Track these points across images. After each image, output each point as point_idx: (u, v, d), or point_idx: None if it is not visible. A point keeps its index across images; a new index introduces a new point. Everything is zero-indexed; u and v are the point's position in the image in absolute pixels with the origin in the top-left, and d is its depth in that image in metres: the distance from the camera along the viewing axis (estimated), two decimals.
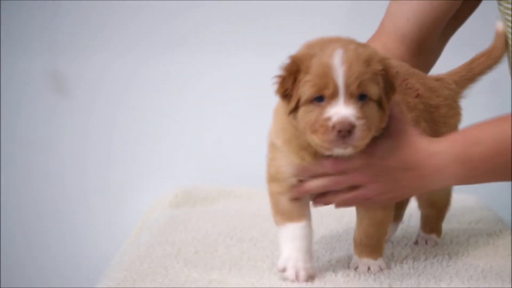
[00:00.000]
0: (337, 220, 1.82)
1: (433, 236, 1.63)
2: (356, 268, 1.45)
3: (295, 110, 1.30)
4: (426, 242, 1.62)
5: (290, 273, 1.37)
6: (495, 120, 1.33)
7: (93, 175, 2.41)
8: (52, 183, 2.41)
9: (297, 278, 1.37)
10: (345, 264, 1.50)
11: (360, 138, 1.25)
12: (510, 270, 1.44)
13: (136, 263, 1.51)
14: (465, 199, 2.11)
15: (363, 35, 2.30)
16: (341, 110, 1.24)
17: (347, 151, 1.27)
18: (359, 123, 1.24)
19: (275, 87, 1.32)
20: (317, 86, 1.27)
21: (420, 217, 1.66)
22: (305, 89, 1.28)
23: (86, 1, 2.34)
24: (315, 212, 1.90)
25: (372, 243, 1.44)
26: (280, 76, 1.31)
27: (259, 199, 2.15)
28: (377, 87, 1.28)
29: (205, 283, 1.40)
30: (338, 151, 1.28)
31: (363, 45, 1.33)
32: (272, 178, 1.41)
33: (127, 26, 2.36)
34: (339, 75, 1.25)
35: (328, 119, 1.25)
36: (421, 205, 1.63)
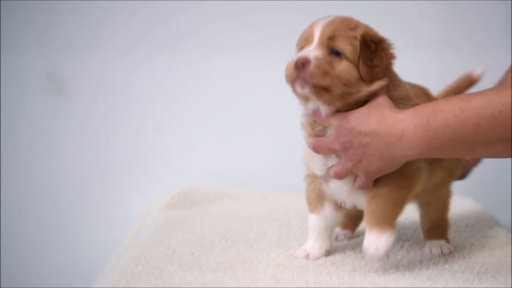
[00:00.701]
0: None
1: (443, 241, 1.62)
2: (365, 251, 1.43)
3: None
4: (441, 249, 1.60)
5: (298, 253, 1.55)
6: (463, 95, 1.38)
7: (91, 176, 2.41)
8: (49, 184, 2.41)
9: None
10: (340, 266, 1.50)
11: (314, 74, 1.37)
12: (506, 272, 1.44)
13: (131, 265, 1.51)
14: (462, 202, 2.11)
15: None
16: (304, 51, 1.40)
17: (305, 90, 1.39)
18: (314, 60, 1.37)
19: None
20: (302, 40, 1.44)
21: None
22: (297, 49, 1.45)
23: (85, 2, 2.34)
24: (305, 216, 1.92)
25: (379, 208, 1.43)
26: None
27: (256, 200, 2.15)
28: (350, 47, 1.40)
29: (200, 285, 1.39)
30: (297, 88, 1.40)
31: (357, 21, 1.45)
32: (307, 175, 1.56)
33: (125, 27, 2.36)
34: (317, 29, 1.41)
35: (293, 60, 1.40)
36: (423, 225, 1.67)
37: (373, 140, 1.38)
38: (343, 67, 1.39)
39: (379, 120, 1.38)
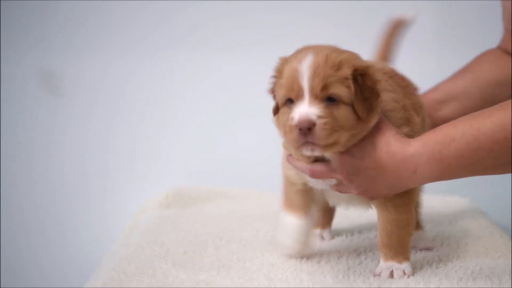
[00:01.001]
0: None
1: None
2: (379, 274, 1.43)
3: (277, 111, 1.39)
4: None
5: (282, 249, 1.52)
6: (467, 117, 1.35)
7: (86, 175, 2.40)
8: (45, 183, 2.41)
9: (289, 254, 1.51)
10: (334, 265, 1.49)
11: (322, 136, 1.29)
12: (499, 273, 1.43)
13: (124, 264, 1.50)
14: (457, 202, 2.11)
15: (361, 36, 2.34)
16: (302, 109, 1.30)
17: (315, 152, 1.32)
18: (319, 121, 1.29)
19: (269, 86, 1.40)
20: (285, 89, 1.33)
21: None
22: (278, 92, 1.36)
23: (81, 1, 2.34)
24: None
25: (394, 243, 1.43)
26: (272, 76, 1.40)
27: (250, 200, 2.15)
28: (347, 90, 1.31)
29: (193, 284, 1.39)
30: (306, 152, 1.33)
31: (340, 51, 1.36)
32: (287, 180, 1.50)
33: (122, 26, 2.36)
34: (304, 77, 1.31)
35: (292, 118, 1.31)
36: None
37: (382, 175, 1.35)
38: (343, 114, 1.31)
39: (388, 155, 1.34)
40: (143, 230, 1.80)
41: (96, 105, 2.39)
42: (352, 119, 1.32)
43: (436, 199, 2.11)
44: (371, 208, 1.49)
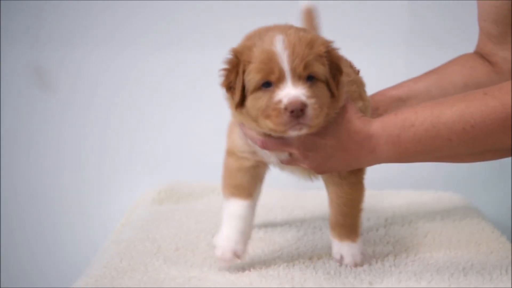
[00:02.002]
0: (321, 218, 1.81)
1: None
2: (341, 258, 1.45)
3: (241, 103, 1.33)
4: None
5: (217, 252, 1.41)
6: (430, 103, 1.35)
7: (77, 171, 2.39)
8: (34, 179, 2.39)
9: (222, 258, 1.41)
10: (326, 261, 1.49)
11: (314, 116, 1.27)
12: (491, 269, 1.44)
13: (116, 260, 1.50)
14: (450, 197, 2.11)
15: (358, 36, 2.34)
16: (291, 91, 1.27)
17: (302, 131, 1.30)
18: (310, 101, 1.27)
19: (220, 80, 1.35)
20: (262, 72, 1.29)
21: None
22: (251, 77, 1.30)
23: None
24: (299, 209, 1.91)
25: (348, 223, 1.44)
26: (224, 69, 1.34)
27: None
28: (323, 67, 1.31)
29: (185, 281, 1.39)
30: (293, 133, 1.30)
31: (304, 30, 1.36)
32: (230, 152, 1.46)
33: (110, 21, 2.34)
34: (284, 58, 1.28)
35: (280, 101, 1.27)
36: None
37: (341, 152, 1.36)
38: (322, 91, 1.31)
39: (349, 134, 1.35)
40: (135, 226, 1.79)
41: (89, 102, 2.38)
42: (328, 96, 1.32)
43: (429, 195, 2.12)
44: (316, 178, 1.48)
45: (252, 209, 1.44)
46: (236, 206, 1.43)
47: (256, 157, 1.44)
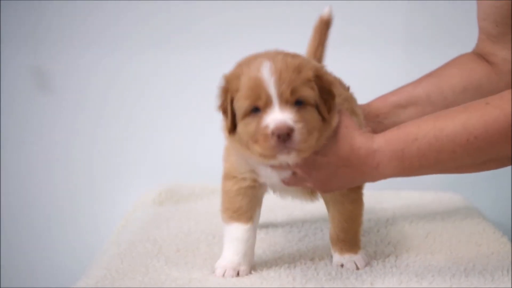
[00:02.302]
0: (322, 219, 1.81)
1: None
2: (342, 265, 1.46)
3: (233, 129, 1.34)
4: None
5: (219, 272, 1.41)
6: (432, 116, 1.35)
7: (77, 172, 2.39)
8: (35, 180, 2.39)
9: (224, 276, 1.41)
10: (328, 262, 1.49)
11: (301, 140, 1.27)
12: (492, 269, 1.43)
13: (116, 261, 1.50)
14: (450, 198, 2.11)
15: (357, 38, 2.34)
16: (278, 116, 1.27)
17: (291, 157, 1.29)
18: (297, 126, 1.27)
19: (216, 104, 1.36)
20: (250, 99, 1.29)
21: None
22: (240, 104, 1.31)
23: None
24: (299, 210, 1.91)
25: (349, 238, 1.46)
26: (218, 94, 1.35)
27: None
28: (312, 91, 1.30)
29: (186, 282, 1.38)
30: (282, 157, 1.29)
31: (293, 55, 1.35)
32: (228, 176, 1.45)
33: (111, 23, 2.34)
34: (270, 84, 1.28)
35: (267, 126, 1.27)
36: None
37: (345, 169, 1.34)
38: (311, 115, 1.30)
39: (351, 149, 1.33)
40: (135, 227, 1.79)
41: (86, 103, 2.37)
42: (318, 120, 1.31)
43: (429, 196, 2.12)
44: (316, 199, 1.49)
45: (253, 232, 1.43)
46: (237, 231, 1.42)
47: (257, 176, 1.42)
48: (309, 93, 1.30)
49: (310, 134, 1.28)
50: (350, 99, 1.51)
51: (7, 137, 2.38)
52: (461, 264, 1.47)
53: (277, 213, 1.88)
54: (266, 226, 1.77)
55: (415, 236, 1.68)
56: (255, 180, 1.42)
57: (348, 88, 1.55)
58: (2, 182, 2.39)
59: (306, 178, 1.37)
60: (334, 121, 1.34)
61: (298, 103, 1.29)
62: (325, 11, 1.67)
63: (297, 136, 1.26)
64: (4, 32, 2.32)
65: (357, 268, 1.45)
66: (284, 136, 1.25)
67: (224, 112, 1.35)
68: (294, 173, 1.38)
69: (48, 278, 2.38)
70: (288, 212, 1.89)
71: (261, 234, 1.70)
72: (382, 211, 1.91)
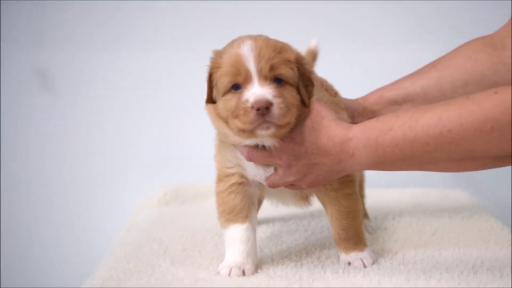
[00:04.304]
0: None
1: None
2: (349, 264, 1.45)
3: (210, 100, 1.40)
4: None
5: (225, 272, 1.41)
6: (413, 108, 1.34)
7: (81, 174, 2.39)
8: (39, 182, 2.39)
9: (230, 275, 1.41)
10: (335, 260, 1.48)
11: (280, 115, 1.31)
12: (501, 266, 1.42)
13: (123, 262, 1.49)
14: (457, 195, 2.10)
15: (354, 35, 2.34)
16: (257, 91, 1.32)
17: (270, 131, 1.32)
18: (276, 100, 1.31)
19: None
20: (230, 75, 1.35)
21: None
22: (221, 81, 1.36)
23: (75, 1, 2.33)
24: (305, 209, 1.90)
25: (351, 235, 1.46)
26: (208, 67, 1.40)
27: None
28: (292, 72, 1.35)
29: (192, 282, 1.38)
30: (261, 132, 1.32)
31: (277, 40, 1.38)
32: (219, 177, 1.47)
33: (112, 23, 2.34)
34: (250, 60, 1.33)
35: (246, 101, 1.31)
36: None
37: (322, 158, 1.35)
38: (291, 94, 1.34)
39: (328, 138, 1.35)
40: (141, 228, 1.79)
41: (93, 105, 2.38)
42: (297, 99, 1.35)
43: (436, 193, 2.11)
44: (309, 204, 1.51)
45: (252, 231, 1.44)
46: (236, 232, 1.43)
47: (244, 171, 1.43)
48: (288, 72, 1.34)
49: (289, 110, 1.32)
50: (338, 103, 1.52)
51: (13, 140, 2.38)
52: (469, 261, 1.46)
53: (283, 211, 1.87)
54: (273, 225, 1.77)
55: (423, 233, 1.67)
56: (243, 176, 1.44)
57: (335, 94, 1.56)
58: (7, 183, 2.39)
59: (287, 173, 1.38)
60: (312, 107, 1.37)
61: (277, 81, 1.34)
62: (312, 43, 1.73)
63: (275, 110, 1.30)
64: (10, 33, 2.32)
65: (364, 266, 1.45)
66: (263, 109, 1.30)
67: (209, 82, 1.40)
68: (275, 170, 1.40)
69: (55, 279, 2.38)
70: (293, 210, 1.88)
71: (267, 233, 1.70)
72: (389, 209, 1.90)
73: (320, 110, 1.37)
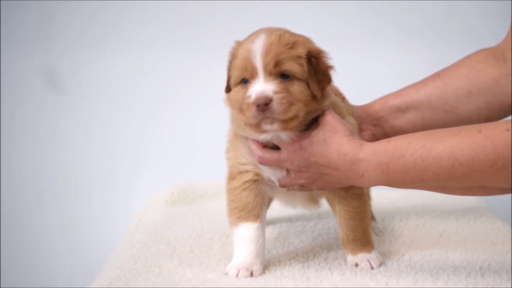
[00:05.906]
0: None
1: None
2: (356, 265, 1.45)
3: (228, 89, 1.43)
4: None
5: (232, 272, 1.40)
6: (424, 134, 1.35)
7: (88, 172, 2.40)
8: (46, 181, 2.40)
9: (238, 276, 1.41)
10: (342, 262, 1.48)
11: (281, 110, 1.33)
12: (508, 268, 1.42)
13: (130, 262, 1.49)
14: (464, 197, 2.09)
15: (352, 35, 2.33)
16: (259, 87, 1.34)
17: (274, 126, 1.34)
18: (276, 96, 1.33)
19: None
20: (239, 70, 1.38)
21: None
22: (233, 73, 1.39)
23: (82, 1, 2.33)
24: (312, 210, 1.90)
25: (359, 236, 1.46)
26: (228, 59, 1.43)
27: None
28: (299, 67, 1.36)
29: (200, 283, 1.38)
30: (266, 127, 1.35)
31: (294, 34, 1.40)
32: (232, 175, 1.47)
33: (122, 23, 2.35)
34: (257, 56, 1.35)
35: (249, 96, 1.34)
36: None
37: (332, 171, 1.37)
38: (298, 89, 1.35)
39: (338, 154, 1.36)
40: (148, 228, 1.79)
41: (94, 102, 2.38)
42: (307, 94, 1.36)
43: (443, 195, 2.09)
44: (318, 207, 1.52)
45: (262, 231, 1.44)
46: (246, 230, 1.43)
47: (259, 169, 1.44)
48: (295, 68, 1.35)
49: (292, 105, 1.33)
50: (344, 107, 1.52)
51: (19, 140, 2.39)
52: (477, 263, 1.46)
53: (290, 212, 1.87)
54: (280, 226, 1.77)
55: (430, 235, 1.67)
56: (258, 174, 1.44)
57: (343, 98, 1.57)
58: (14, 182, 2.40)
59: (298, 175, 1.40)
60: (325, 103, 1.39)
61: (284, 76, 1.35)
62: None
63: (275, 105, 1.32)
64: (17, 33, 2.33)
65: (372, 268, 1.45)
66: (262, 105, 1.32)
67: (228, 74, 1.43)
68: (287, 171, 1.41)
69: (62, 279, 2.39)
70: (301, 211, 1.88)
71: (274, 234, 1.70)
72: (396, 210, 1.90)
73: (334, 124, 1.38)
